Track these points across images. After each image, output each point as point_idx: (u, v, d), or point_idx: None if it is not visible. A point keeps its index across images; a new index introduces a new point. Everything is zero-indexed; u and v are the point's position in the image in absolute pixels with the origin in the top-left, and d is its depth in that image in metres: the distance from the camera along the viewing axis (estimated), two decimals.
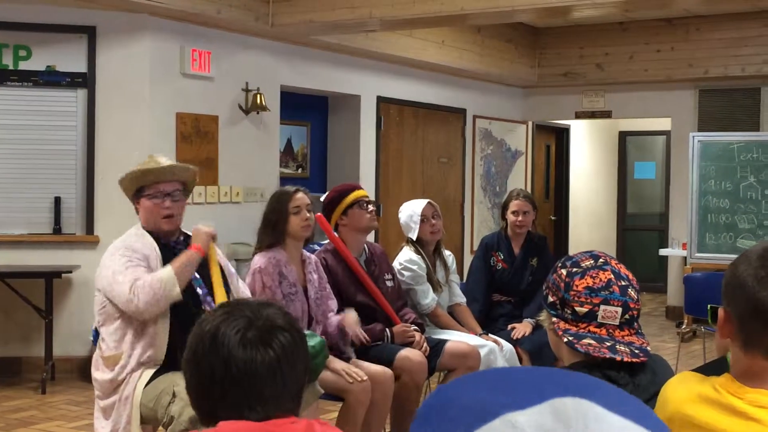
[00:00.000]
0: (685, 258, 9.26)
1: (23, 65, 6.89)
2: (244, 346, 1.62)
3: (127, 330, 3.62)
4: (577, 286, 2.19)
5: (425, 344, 4.66)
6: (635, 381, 2.14)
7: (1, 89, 6.85)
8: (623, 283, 2.19)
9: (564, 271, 2.23)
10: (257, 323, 1.65)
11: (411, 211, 5.14)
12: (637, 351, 2.15)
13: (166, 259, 3.66)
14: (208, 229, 3.72)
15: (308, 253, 4.46)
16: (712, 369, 2.02)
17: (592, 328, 2.17)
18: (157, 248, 3.69)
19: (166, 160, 3.88)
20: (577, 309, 2.18)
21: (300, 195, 4.29)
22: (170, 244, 3.75)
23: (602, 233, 13.22)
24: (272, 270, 4.14)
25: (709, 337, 7.50)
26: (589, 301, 2.17)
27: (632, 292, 2.19)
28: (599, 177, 13.27)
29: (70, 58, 6.96)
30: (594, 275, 2.19)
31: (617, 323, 2.17)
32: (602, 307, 2.16)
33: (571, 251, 12.35)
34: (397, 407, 4.58)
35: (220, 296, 3.63)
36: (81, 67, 6.98)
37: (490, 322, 5.41)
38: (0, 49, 6.84)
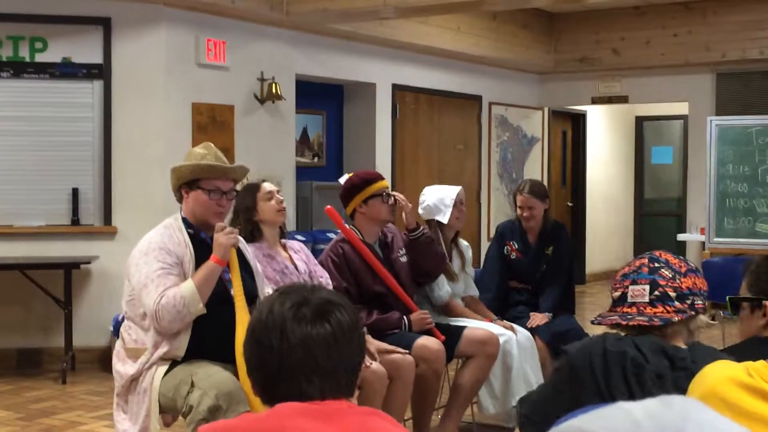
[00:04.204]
0: (704, 243, 9.21)
1: (39, 57, 6.91)
2: (299, 321, 1.68)
3: (152, 326, 3.61)
4: (617, 276, 2.35)
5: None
6: (693, 367, 2.16)
7: (18, 81, 6.88)
8: (656, 265, 2.29)
9: None
10: (312, 301, 1.71)
11: (442, 194, 5.10)
12: (655, 319, 2.24)
13: (199, 255, 3.64)
14: (226, 239, 3.66)
15: (287, 240, 4.47)
16: (741, 351, 2.04)
17: (624, 309, 2.29)
18: (192, 247, 3.67)
19: (220, 153, 3.82)
20: (614, 294, 2.33)
21: (267, 184, 4.38)
22: (207, 241, 3.72)
23: (620, 219, 13.18)
24: (257, 255, 4.16)
25: (728, 323, 7.47)
26: (621, 285, 2.31)
27: (666, 272, 2.28)
28: (616, 162, 13.22)
29: (85, 50, 6.98)
30: (631, 263, 2.35)
31: (647, 300, 2.26)
32: (630, 287, 2.28)
33: (588, 237, 12.35)
34: (416, 396, 4.56)
35: (241, 305, 3.61)
36: (97, 58, 6.99)
37: (508, 308, 5.38)
38: (16, 42, 6.87)
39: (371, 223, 4.67)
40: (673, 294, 2.24)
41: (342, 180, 4.78)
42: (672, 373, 2.15)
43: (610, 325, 2.30)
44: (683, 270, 2.28)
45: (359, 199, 4.63)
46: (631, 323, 2.23)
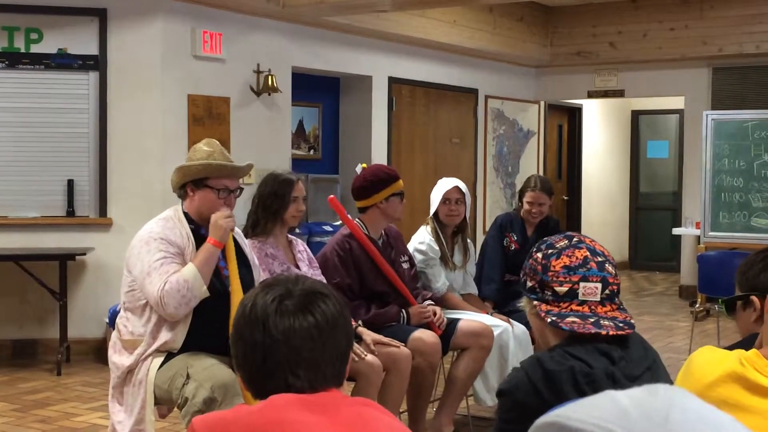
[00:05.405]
0: (699, 237, 9.23)
1: (35, 48, 6.89)
2: (282, 314, 1.68)
3: (151, 317, 3.61)
4: (554, 266, 2.18)
5: (443, 320, 4.66)
6: (628, 355, 2.14)
7: (13, 72, 6.87)
8: (600, 259, 2.19)
9: (540, 254, 2.22)
10: (295, 292, 1.70)
11: (440, 187, 5.12)
12: (621, 324, 2.15)
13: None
14: (224, 222, 3.64)
15: (292, 236, 4.45)
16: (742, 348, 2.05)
17: (574, 307, 2.16)
18: (193, 238, 3.66)
19: (225, 151, 3.76)
20: (557, 289, 2.17)
21: (301, 186, 4.30)
22: (206, 235, 3.71)
23: (615, 213, 13.19)
24: (258, 254, 4.15)
25: (723, 316, 7.49)
26: (567, 279, 2.16)
27: (610, 268, 2.19)
28: (612, 156, 13.22)
29: (81, 41, 6.96)
30: (570, 254, 2.19)
31: (598, 299, 2.16)
32: (581, 284, 2.16)
33: (583, 231, 12.34)
34: (412, 389, 4.57)
35: (237, 289, 3.61)
36: (92, 49, 6.98)
37: (501, 301, 5.41)
38: (11, 32, 6.85)
39: (383, 219, 4.67)
40: (616, 290, 2.20)
41: (358, 170, 4.72)
42: (615, 367, 2.10)
43: (586, 335, 2.15)
44: (614, 262, 2.23)
45: (385, 194, 4.60)
46: (611, 333, 2.11)
